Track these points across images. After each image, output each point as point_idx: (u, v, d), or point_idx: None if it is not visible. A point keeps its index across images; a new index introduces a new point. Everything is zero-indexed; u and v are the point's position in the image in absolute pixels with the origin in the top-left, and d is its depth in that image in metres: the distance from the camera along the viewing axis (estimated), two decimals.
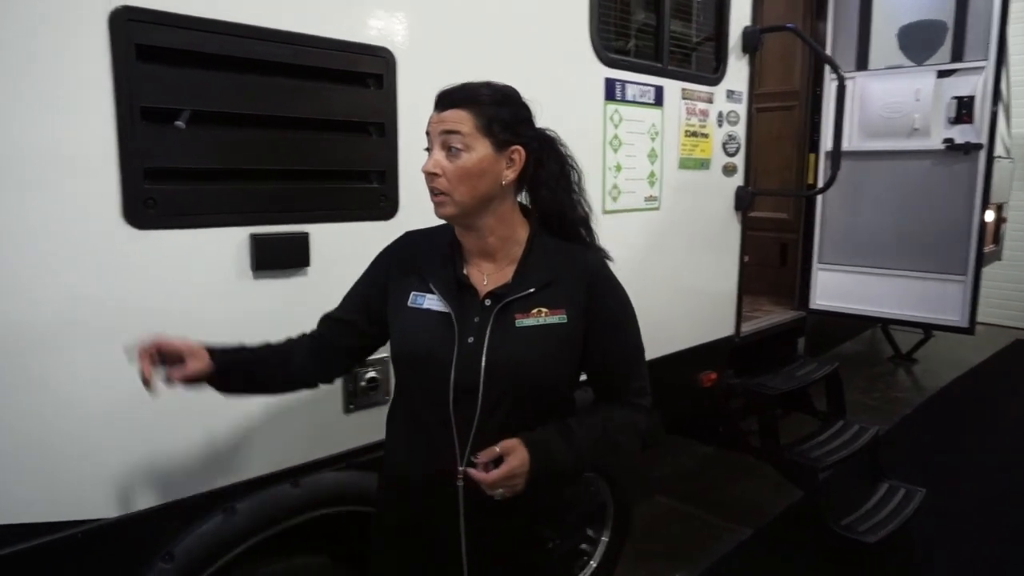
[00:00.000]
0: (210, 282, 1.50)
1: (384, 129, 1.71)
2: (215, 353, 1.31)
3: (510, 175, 1.29)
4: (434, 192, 1.27)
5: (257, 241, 1.53)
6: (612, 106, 2.34)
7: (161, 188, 1.41)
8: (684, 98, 2.61)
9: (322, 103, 1.62)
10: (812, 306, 3.60)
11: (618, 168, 2.40)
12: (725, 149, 2.85)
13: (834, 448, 3.08)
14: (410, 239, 1.44)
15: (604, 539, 2.53)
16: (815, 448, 3.07)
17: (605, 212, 2.36)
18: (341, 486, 1.72)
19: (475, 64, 1.91)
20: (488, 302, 1.30)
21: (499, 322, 1.27)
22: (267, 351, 1.39)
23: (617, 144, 2.38)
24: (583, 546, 2.47)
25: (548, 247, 1.36)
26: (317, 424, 1.70)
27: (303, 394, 1.52)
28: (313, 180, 1.64)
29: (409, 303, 1.33)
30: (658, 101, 2.50)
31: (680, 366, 2.77)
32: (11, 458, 1.30)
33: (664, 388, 2.66)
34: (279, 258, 1.57)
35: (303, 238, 1.60)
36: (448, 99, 1.26)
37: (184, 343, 1.28)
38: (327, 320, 1.44)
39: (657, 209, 2.57)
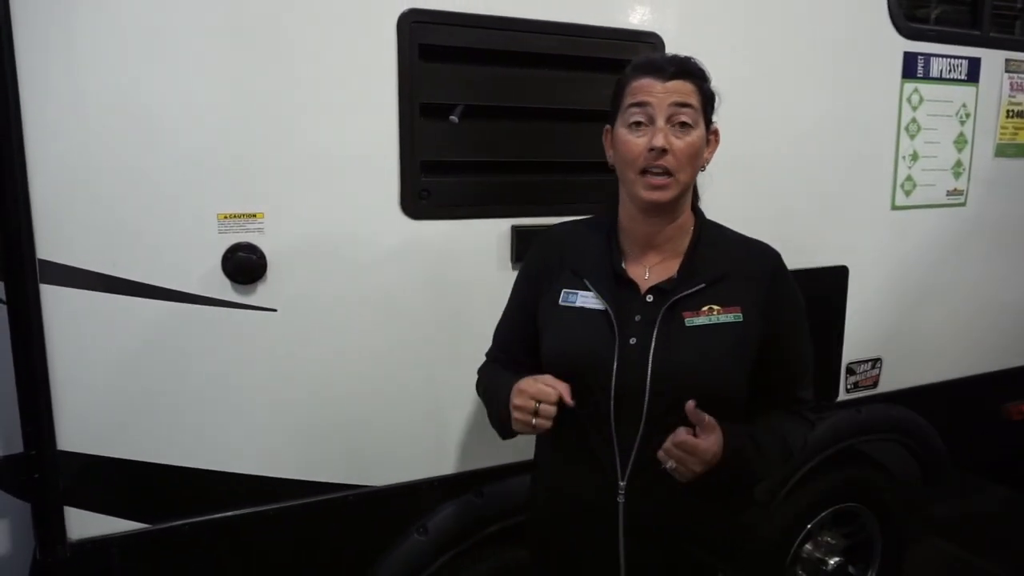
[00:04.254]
0: (472, 272, 1.54)
1: None
2: None
3: (709, 157, 1.20)
4: (656, 171, 1.11)
5: (518, 233, 1.55)
6: (911, 85, 2.00)
7: (434, 180, 1.48)
8: (1009, 71, 2.16)
9: (586, 93, 1.58)
10: None
11: (914, 157, 2.06)
12: None
13: None
14: (554, 234, 1.30)
15: None
16: None
17: (894, 208, 2.05)
18: None
19: (750, 47, 1.75)
20: (650, 298, 1.16)
21: (666, 322, 1.14)
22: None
23: (915, 129, 2.04)
24: None
25: (719, 238, 1.21)
26: None
27: None
28: (573, 172, 1.62)
29: (560, 301, 1.20)
30: (972, 76, 2.10)
31: (982, 393, 2.34)
32: (307, 425, 1.46)
33: (960, 417, 2.29)
34: None
35: None
36: (671, 68, 1.12)
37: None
38: (498, 362, 1.33)
39: (962, 205, 2.17)
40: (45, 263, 1.22)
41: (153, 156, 1.27)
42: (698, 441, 1.07)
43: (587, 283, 1.19)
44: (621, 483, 1.16)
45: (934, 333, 2.20)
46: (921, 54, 2.00)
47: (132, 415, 1.32)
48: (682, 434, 1.07)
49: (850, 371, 2.06)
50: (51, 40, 1.18)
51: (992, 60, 2.12)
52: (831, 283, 1.97)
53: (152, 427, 1.34)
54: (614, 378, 1.14)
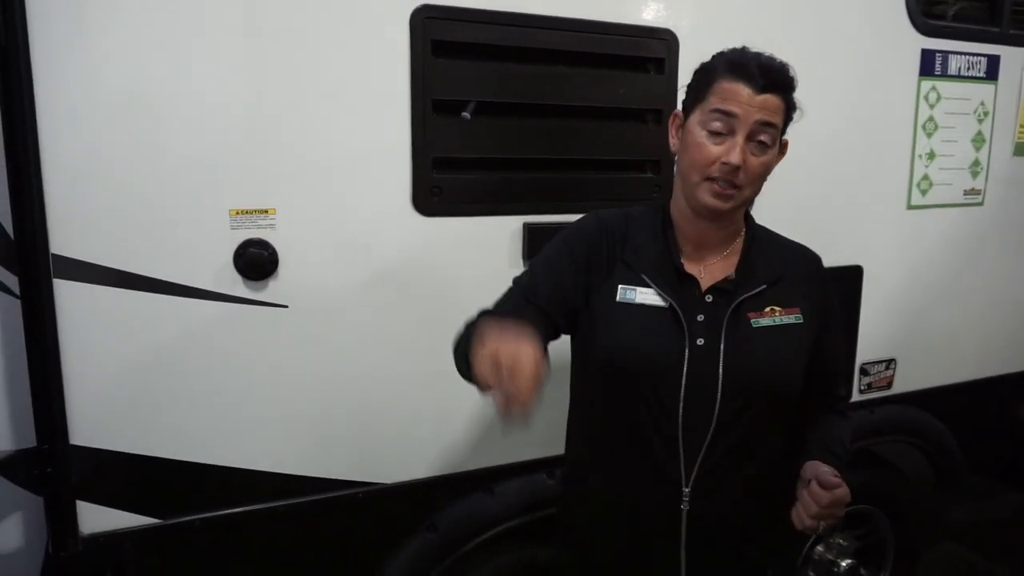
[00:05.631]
0: (484, 269, 1.53)
1: (661, 116, 1.62)
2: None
3: (773, 166, 1.15)
4: (724, 183, 1.06)
5: (530, 230, 1.54)
6: (928, 82, 1.98)
7: (446, 177, 1.47)
8: None
9: (599, 90, 1.57)
10: None
11: (931, 156, 2.03)
12: None
13: None
14: (607, 222, 1.19)
15: None
16: None
17: (910, 208, 2.02)
18: None
19: (765, 44, 1.70)
20: (710, 298, 1.13)
21: (733, 322, 1.11)
22: None
23: (932, 128, 2.02)
24: None
25: (767, 240, 1.20)
26: None
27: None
28: (586, 169, 1.61)
29: (617, 298, 1.13)
30: (991, 74, 2.07)
31: (996, 395, 2.31)
32: (318, 421, 1.46)
33: (973, 420, 2.26)
34: None
35: None
36: (766, 78, 1.05)
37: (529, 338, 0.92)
38: (528, 306, 1.17)
39: (980, 205, 2.14)
40: (58, 258, 1.22)
41: (166, 152, 1.27)
42: (837, 494, 1.06)
43: (646, 279, 1.13)
44: (685, 489, 1.13)
45: (949, 334, 2.18)
46: (939, 51, 1.97)
47: (144, 410, 1.32)
48: (821, 493, 1.06)
49: (864, 372, 2.04)
50: (66, 38, 1.18)
51: (1012, 57, 2.09)
52: (846, 283, 1.95)
53: (164, 422, 1.34)
54: (684, 381, 1.10)
